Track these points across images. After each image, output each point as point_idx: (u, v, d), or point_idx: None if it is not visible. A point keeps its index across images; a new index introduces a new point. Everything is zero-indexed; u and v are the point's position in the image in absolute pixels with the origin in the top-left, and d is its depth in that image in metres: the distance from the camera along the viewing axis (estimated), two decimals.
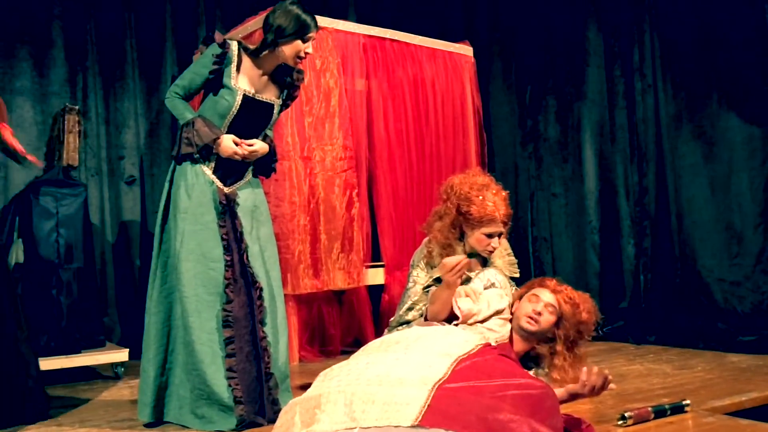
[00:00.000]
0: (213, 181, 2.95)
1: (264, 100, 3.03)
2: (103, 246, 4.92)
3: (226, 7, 5.52)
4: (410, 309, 3.11)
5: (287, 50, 2.93)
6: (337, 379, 1.98)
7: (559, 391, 2.43)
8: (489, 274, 3.02)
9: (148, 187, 5.19)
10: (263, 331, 2.92)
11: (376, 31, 4.90)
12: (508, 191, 3.13)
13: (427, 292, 3.11)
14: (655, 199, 4.62)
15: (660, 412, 2.60)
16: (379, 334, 4.21)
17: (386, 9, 6.00)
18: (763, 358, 3.75)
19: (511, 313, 2.77)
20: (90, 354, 3.98)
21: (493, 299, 2.78)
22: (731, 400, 2.88)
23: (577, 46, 5.08)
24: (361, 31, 4.84)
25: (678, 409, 2.65)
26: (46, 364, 3.81)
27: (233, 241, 2.93)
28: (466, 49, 5.45)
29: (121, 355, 4.06)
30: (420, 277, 3.18)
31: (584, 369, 2.41)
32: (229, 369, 2.80)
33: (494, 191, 3.04)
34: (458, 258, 2.79)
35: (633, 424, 2.51)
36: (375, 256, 4.87)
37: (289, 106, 3.20)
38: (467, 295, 2.84)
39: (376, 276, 4.78)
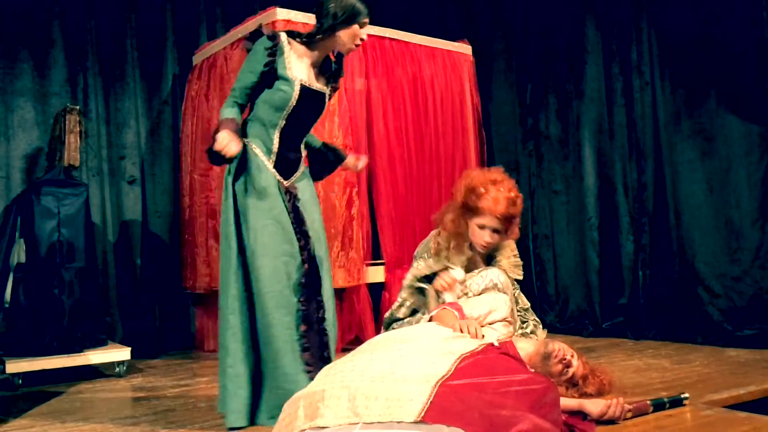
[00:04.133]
0: (275, 175, 2.86)
1: (317, 89, 2.95)
2: (105, 245, 4.94)
3: (226, 6, 5.53)
4: (401, 306, 3.12)
5: (344, 36, 2.87)
6: (341, 375, 2.01)
7: (573, 402, 2.45)
8: (492, 275, 3.00)
9: (149, 186, 5.21)
10: (325, 326, 2.88)
11: (375, 30, 4.90)
12: (521, 195, 3.08)
13: (415, 289, 3.11)
14: (654, 195, 4.64)
15: (659, 406, 2.62)
16: (379, 331, 4.22)
17: (386, 8, 6.01)
18: (761, 353, 3.77)
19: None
20: (92, 353, 4.00)
21: (497, 305, 2.80)
22: (729, 394, 2.90)
23: (576, 44, 5.10)
24: None
25: (677, 402, 2.67)
26: (49, 363, 3.84)
27: (301, 235, 2.87)
28: (465, 48, 5.47)
29: (123, 353, 4.08)
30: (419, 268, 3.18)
31: (614, 401, 2.44)
32: (306, 363, 2.76)
33: (501, 188, 2.99)
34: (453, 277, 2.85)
35: (632, 417, 2.53)
36: (375, 254, 4.89)
37: (331, 97, 3.08)
38: (450, 286, 2.86)
39: (376, 274, 4.80)
